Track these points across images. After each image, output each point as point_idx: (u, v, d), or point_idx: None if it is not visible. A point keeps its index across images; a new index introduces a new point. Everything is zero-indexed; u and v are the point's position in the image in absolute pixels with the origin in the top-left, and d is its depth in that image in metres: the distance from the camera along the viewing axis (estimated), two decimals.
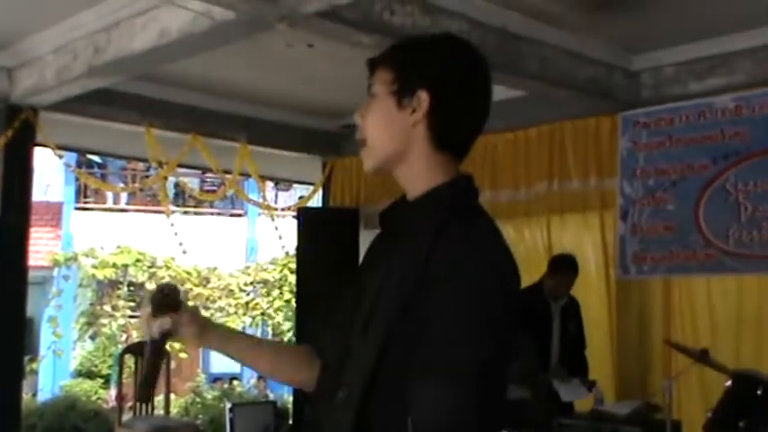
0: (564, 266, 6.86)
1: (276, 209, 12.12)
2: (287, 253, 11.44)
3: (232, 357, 2.25)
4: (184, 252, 9.29)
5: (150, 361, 2.14)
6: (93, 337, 17.44)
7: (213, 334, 2.19)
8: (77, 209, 19.15)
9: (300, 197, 10.98)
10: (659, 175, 6.74)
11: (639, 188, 6.86)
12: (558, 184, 7.55)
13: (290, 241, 9.66)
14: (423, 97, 1.95)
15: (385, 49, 2.06)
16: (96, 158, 19.22)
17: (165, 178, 9.20)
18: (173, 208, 13.90)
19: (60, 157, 8.57)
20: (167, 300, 2.15)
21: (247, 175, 9.04)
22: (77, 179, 17.25)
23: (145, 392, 2.35)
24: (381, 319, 1.89)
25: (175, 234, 8.65)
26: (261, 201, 9.93)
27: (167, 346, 2.29)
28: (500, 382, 1.85)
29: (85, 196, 19.75)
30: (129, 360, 9.32)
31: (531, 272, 7.78)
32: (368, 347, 1.89)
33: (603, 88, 6.93)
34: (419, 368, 1.77)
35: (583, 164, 7.38)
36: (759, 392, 5.02)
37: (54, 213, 18.50)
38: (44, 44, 6.78)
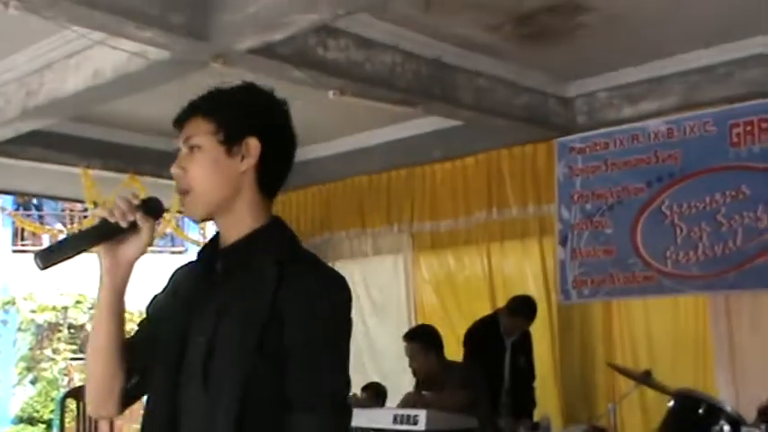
0: (525, 311, 6.84)
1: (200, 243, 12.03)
2: None
3: (100, 319, 2.11)
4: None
5: (91, 238, 2.01)
6: (33, 382, 17.14)
7: (129, 276, 2.10)
8: (14, 251, 18.84)
9: None
10: (596, 199, 6.82)
11: (577, 213, 6.93)
12: (497, 212, 7.61)
13: None
14: (253, 144, 2.04)
15: (192, 102, 2.11)
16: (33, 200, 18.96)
17: None
18: None
19: None
20: (160, 213, 2.11)
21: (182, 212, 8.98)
22: (13, 222, 16.98)
23: (56, 256, 1.99)
24: (233, 363, 1.93)
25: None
26: (200, 239, 9.86)
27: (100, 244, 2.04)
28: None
29: (22, 239, 19.45)
30: (72, 404, 9.15)
31: (470, 300, 7.88)
32: (222, 394, 1.92)
33: (539, 116, 7.01)
34: (298, 401, 1.91)
35: (521, 191, 7.45)
36: (701, 411, 5.07)
37: None
38: None
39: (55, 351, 17.02)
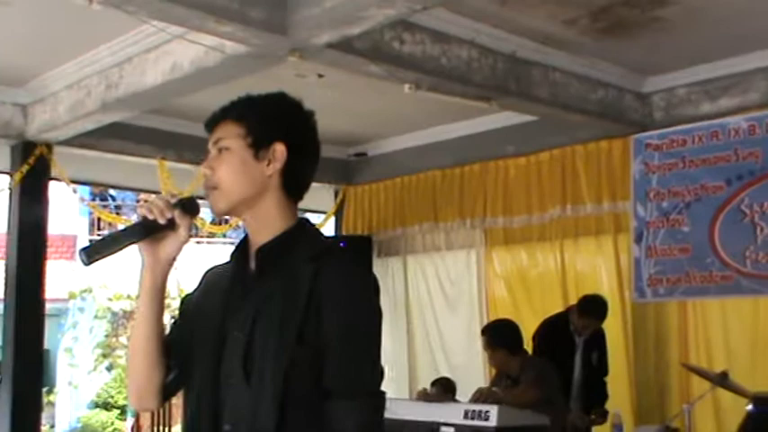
0: (595, 311, 6.70)
1: None
2: None
3: (141, 314, 2.20)
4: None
5: (132, 235, 2.07)
6: (109, 369, 17.41)
7: (168, 272, 2.18)
8: (91, 241, 19.16)
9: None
10: (673, 197, 6.72)
11: (653, 210, 6.84)
12: (572, 208, 7.55)
13: None
14: (280, 150, 2.13)
15: (224, 107, 2.19)
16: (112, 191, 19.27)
17: None
18: None
19: (74, 191, 8.60)
20: (197, 211, 2.16)
21: None
22: (91, 213, 17.29)
23: (100, 251, 2.06)
24: (275, 356, 2.01)
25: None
26: None
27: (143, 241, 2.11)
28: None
29: (99, 228, 19.79)
30: None
31: (542, 296, 7.80)
32: (264, 387, 2.00)
33: (615, 111, 6.94)
34: (337, 390, 2.00)
35: (596, 187, 7.37)
36: None
37: (68, 246, 18.52)
38: (58, 81, 6.84)
39: (129, 338, 17.29)
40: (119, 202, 20.35)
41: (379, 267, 8.95)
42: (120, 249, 2.07)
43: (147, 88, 6.03)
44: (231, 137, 2.13)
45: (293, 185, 2.17)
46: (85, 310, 17.02)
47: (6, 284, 7.55)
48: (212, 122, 2.19)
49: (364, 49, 5.36)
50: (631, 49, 6.36)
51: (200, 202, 2.20)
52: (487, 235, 8.35)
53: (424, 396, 6.38)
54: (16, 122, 7.31)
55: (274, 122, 2.15)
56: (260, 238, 2.16)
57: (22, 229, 7.47)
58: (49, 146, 7.46)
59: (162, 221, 2.09)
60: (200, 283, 2.32)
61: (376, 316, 2.10)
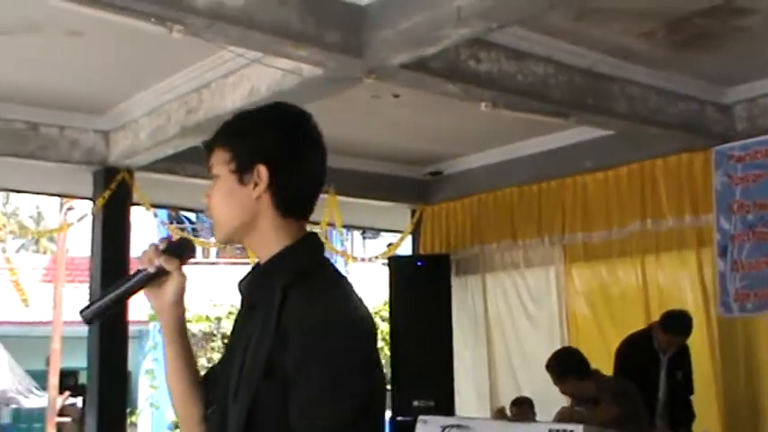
0: (680, 329, 6.56)
1: (356, 258, 12.12)
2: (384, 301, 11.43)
3: (165, 354, 2.20)
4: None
5: (127, 288, 2.08)
6: None
7: (181, 313, 2.17)
8: None
9: (389, 245, 11.00)
10: (759, 209, 6.59)
11: (738, 223, 6.72)
12: (652, 223, 7.44)
13: (381, 289, 9.66)
14: (262, 171, 2.01)
15: (217, 129, 2.12)
16: (188, 214, 19.54)
17: None
18: None
19: (155, 215, 8.73)
20: (187, 252, 2.13)
21: (333, 225, 9.08)
22: (170, 235, 17.50)
23: (98, 309, 2.09)
24: (246, 385, 1.95)
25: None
26: (345, 250, 9.97)
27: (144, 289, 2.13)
28: (372, 427, 1.91)
29: None
30: None
31: (624, 312, 7.68)
32: (237, 413, 1.95)
33: (695, 124, 6.83)
34: (296, 429, 1.85)
35: (677, 201, 7.26)
36: None
37: None
38: (138, 107, 6.97)
39: (209, 360, 17.45)
40: (195, 225, 20.62)
41: (457, 286, 8.92)
42: (121, 302, 2.10)
43: (226, 112, 6.08)
44: (219, 163, 2.06)
45: (287, 203, 2.05)
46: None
47: None
48: (206, 148, 2.12)
49: (440, 69, 5.36)
50: (711, 60, 6.26)
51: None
52: (567, 251, 8.27)
53: (503, 415, 6.34)
54: (98, 149, 7.46)
55: (254, 143, 2.05)
56: (261, 262, 2.09)
57: (105, 253, 7.61)
58: (130, 171, 7.60)
59: (152, 270, 2.08)
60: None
61: (341, 348, 1.87)
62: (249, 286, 2.10)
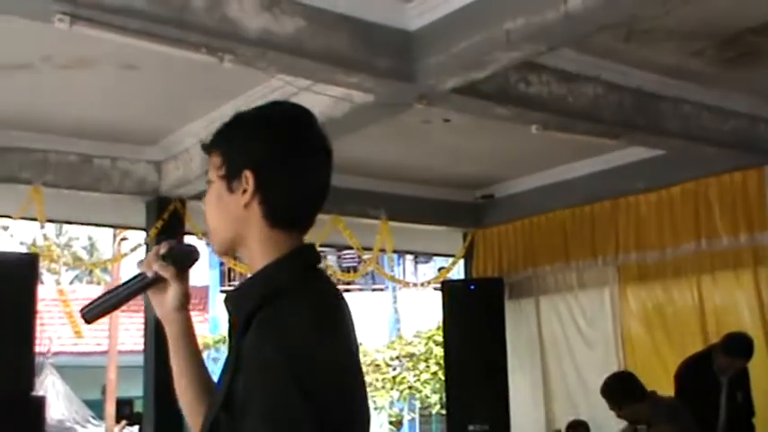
0: (741, 352, 6.43)
1: (408, 283, 12.13)
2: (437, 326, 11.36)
3: (171, 362, 2.11)
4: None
5: (127, 292, 2.02)
6: None
7: (185, 320, 2.07)
8: (222, 292, 19.60)
9: (440, 268, 10.99)
10: None
11: None
12: (707, 242, 7.36)
13: (433, 313, 9.63)
14: (248, 177, 1.86)
15: (215, 131, 1.98)
16: None
17: None
18: None
19: (207, 244, 8.80)
20: (188, 260, 2.04)
21: (385, 251, 9.08)
22: (222, 263, 17.65)
23: (98, 310, 2.04)
24: (210, 411, 1.87)
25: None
26: (398, 276, 9.97)
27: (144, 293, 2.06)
28: None
29: (230, 279, 20.19)
30: None
31: (681, 333, 7.59)
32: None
33: (748, 140, 6.77)
34: (241, 412, 1.69)
35: (731, 220, 7.18)
36: None
37: (201, 297, 18.96)
38: (189, 137, 7.05)
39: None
40: None
41: (511, 309, 8.88)
42: (120, 305, 2.05)
43: None
44: (211, 168, 1.93)
45: (275, 213, 1.88)
46: (219, 360, 17.33)
47: (146, 336, 7.75)
48: (205, 152, 1.99)
49: (490, 93, 5.37)
50: (762, 76, 6.19)
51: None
52: (621, 272, 8.21)
53: None
54: (150, 179, 7.55)
55: (242, 147, 1.90)
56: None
57: None
58: (182, 200, 7.68)
59: (150, 274, 1.99)
60: None
61: (281, 391, 1.65)
62: (228, 305, 1.93)
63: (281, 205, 1.88)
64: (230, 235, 1.91)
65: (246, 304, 1.82)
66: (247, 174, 1.85)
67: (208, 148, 1.96)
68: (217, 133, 1.96)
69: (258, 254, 1.88)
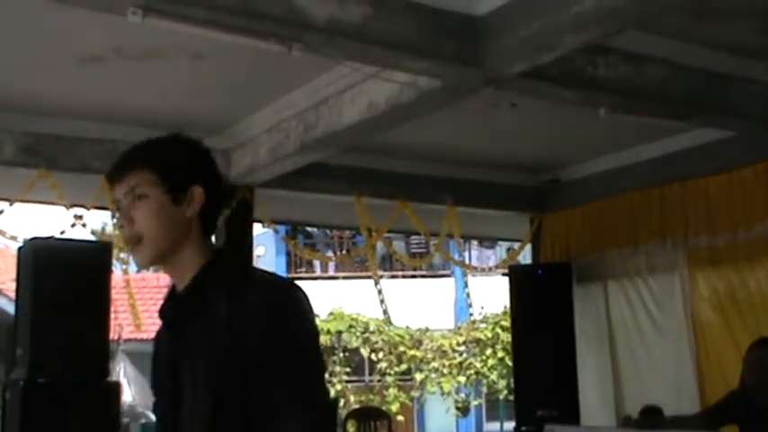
0: None
1: (476, 268, 12.12)
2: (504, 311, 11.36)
3: None
4: (387, 318, 9.41)
5: None
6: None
7: None
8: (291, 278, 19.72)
9: (508, 249, 10.94)
10: None
11: None
12: None
13: (500, 299, 9.60)
14: (198, 192, 2.22)
15: (129, 155, 2.25)
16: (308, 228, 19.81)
17: (374, 245, 9.36)
18: (381, 272, 14.10)
19: (276, 231, 8.88)
20: None
21: (452, 236, 9.08)
22: (289, 251, 17.79)
23: None
24: (202, 392, 2.09)
25: (381, 301, 8.80)
26: (465, 261, 9.96)
27: None
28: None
29: (296, 266, 20.35)
30: (352, 426, 9.46)
31: (756, 318, 7.44)
32: (199, 412, 2.09)
33: None
34: (272, 406, 2.03)
35: None
36: None
37: None
38: (257, 126, 7.11)
39: (331, 374, 17.64)
40: (312, 240, 20.85)
41: (579, 294, 8.82)
42: None
43: (345, 128, 6.17)
44: (146, 184, 2.20)
45: (210, 223, 2.28)
46: None
47: None
48: (120, 172, 2.23)
49: (558, 76, 5.33)
50: None
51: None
52: (690, 256, 8.09)
53: (630, 423, 6.25)
54: (219, 167, 7.60)
55: (190, 167, 2.26)
56: (183, 282, 2.23)
57: None
58: (250, 188, 7.74)
59: None
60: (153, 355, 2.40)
61: (298, 333, 2.11)
62: (175, 310, 2.24)
63: (214, 217, 2.30)
64: (169, 243, 2.20)
65: (220, 290, 2.15)
66: (197, 189, 2.23)
67: (128, 167, 2.22)
68: (143, 151, 2.26)
69: (195, 258, 2.21)
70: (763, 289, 7.49)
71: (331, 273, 20.75)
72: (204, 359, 2.10)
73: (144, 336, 18.48)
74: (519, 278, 8.95)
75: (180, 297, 2.23)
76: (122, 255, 7.33)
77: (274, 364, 2.05)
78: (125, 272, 7.69)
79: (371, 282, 9.21)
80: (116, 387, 7.13)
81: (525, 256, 10.25)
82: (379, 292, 8.82)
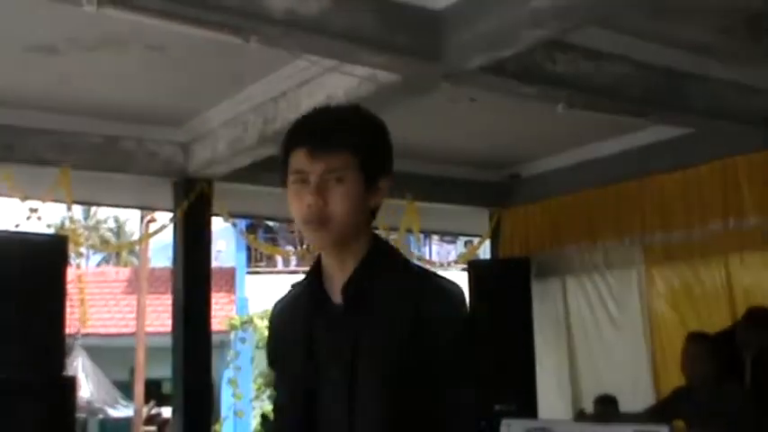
0: (764, 323, 6.44)
1: (435, 263, 12.12)
2: None
3: None
4: None
5: None
6: (270, 397, 17.79)
7: None
8: (249, 273, 19.65)
9: (466, 243, 10.95)
10: None
11: None
12: (734, 222, 7.25)
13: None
14: (385, 185, 2.19)
15: (337, 133, 2.14)
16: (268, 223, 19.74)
17: None
18: None
19: (234, 225, 8.82)
20: None
21: (411, 231, 9.07)
22: (248, 246, 17.72)
23: None
24: (378, 376, 2.05)
25: None
26: (425, 256, 9.95)
27: None
28: None
29: (256, 260, 20.26)
30: None
31: (709, 314, 7.51)
32: (369, 403, 2.05)
33: None
34: (451, 381, 2.07)
35: (760, 199, 7.07)
36: None
37: (227, 279, 19.04)
38: (216, 118, 7.05)
39: None
40: (273, 235, 20.78)
41: (537, 289, 8.86)
42: None
43: None
44: (348, 168, 2.11)
45: (375, 213, 2.23)
46: (247, 340, 17.42)
47: (174, 318, 7.79)
48: (324, 149, 2.12)
49: (517, 71, 5.33)
50: None
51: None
52: (647, 252, 8.16)
53: (584, 417, 6.30)
54: (177, 160, 7.55)
55: (387, 158, 2.22)
56: (345, 267, 2.17)
57: (186, 263, 7.71)
58: (209, 182, 7.68)
59: None
60: (272, 327, 2.36)
61: (464, 328, 2.15)
62: (349, 287, 2.15)
63: (378, 208, 2.22)
64: (352, 230, 2.15)
65: (391, 285, 2.15)
66: (385, 182, 2.19)
67: (338, 145, 2.12)
68: (350, 131, 2.16)
69: (364, 247, 2.18)
70: (717, 285, 7.58)
71: (293, 267, 20.68)
72: (379, 364, 2.07)
73: (102, 331, 18.43)
74: (478, 273, 8.96)
75: (353, 281, 2.15)
76: (80, 249, 7.25)
77: (462, 365, 2.11)
78: (77, 266, 7.62)
79: None
80: (72, 382, 7.06)
81: (485, 251, 10.27)
82: None
